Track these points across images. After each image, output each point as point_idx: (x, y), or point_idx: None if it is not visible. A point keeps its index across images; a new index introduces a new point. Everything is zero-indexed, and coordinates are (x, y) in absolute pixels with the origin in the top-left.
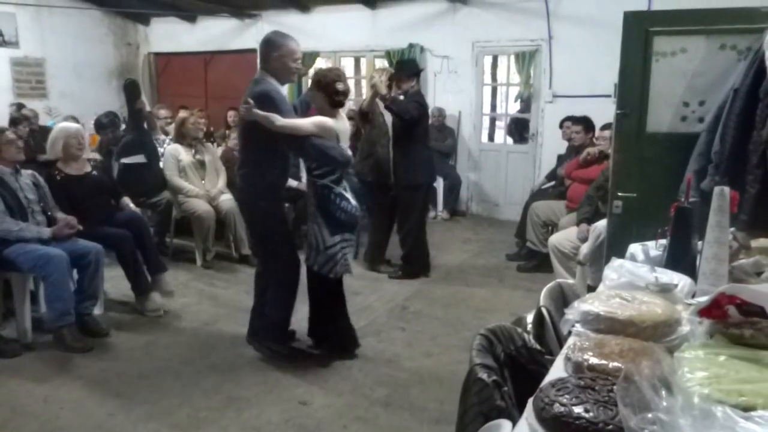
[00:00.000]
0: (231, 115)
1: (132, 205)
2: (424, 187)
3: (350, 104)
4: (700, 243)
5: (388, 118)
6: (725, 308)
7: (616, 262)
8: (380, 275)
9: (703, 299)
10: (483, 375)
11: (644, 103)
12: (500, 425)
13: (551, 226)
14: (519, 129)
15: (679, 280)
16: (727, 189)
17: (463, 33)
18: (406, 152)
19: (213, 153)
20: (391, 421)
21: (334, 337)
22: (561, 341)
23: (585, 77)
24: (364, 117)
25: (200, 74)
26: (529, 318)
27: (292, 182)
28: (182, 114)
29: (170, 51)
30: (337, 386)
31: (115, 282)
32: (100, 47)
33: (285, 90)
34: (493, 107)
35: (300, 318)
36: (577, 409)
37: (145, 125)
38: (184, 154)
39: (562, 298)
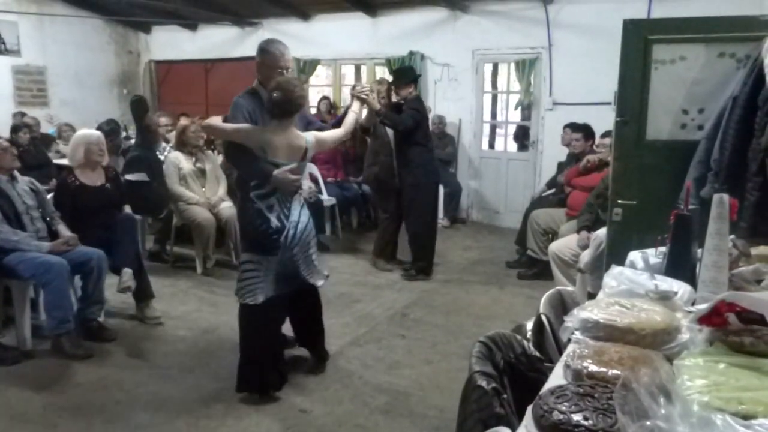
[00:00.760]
0: None
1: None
2: (427, 185)
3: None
4: (699, 250)
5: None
6: (725, 316)
7: (615, 269)
8: (380, 282)
9: (703, 307)
10: (482, 382)
11: (644, 111)
12: None
13: (551, 234)
14: (519, 136)
15: (679, 288)
16: (726, 196)
17: (464, 41)
18: (407, 156)
19: (213, 161)
20: (391, 428)
21: (243, 375)
22: (560, 349)
23: (585, 85)
24: (365, 131)
25: (201, 82)
26: (529, 325)
27: None
28: (183, 122)
29: (171, 59)
30: (337, 394)
31: (115, 289)
32: (101, 55)
33: None
34: (494, 115)
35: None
36: (576, 417)
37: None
38: (185, 162)
39: (562, 306)
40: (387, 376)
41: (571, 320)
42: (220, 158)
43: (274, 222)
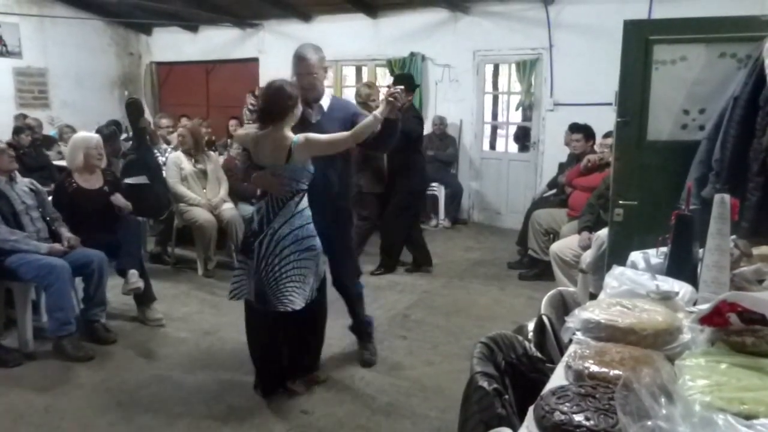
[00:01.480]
0: (233, 124)
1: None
2: (422, 192)
3: None
4: (701, 251)
5: None
6: (726, 316)
7: (617, 270)
8: (381, 283)
9: (704, 307)
10: (484, 383)
11: (645, 111)
12: None
13: (553, 234)
14: (520, 137)
15: (680, 288)
16: (727, 197)
17: (464, 42)
18: (407, 163)
19: (215, 162)
20: (392, 429)
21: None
22: (562, 349)
23: (586, 85)
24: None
25: (202, 83)
26: (530, 326)
27: None
28: (193, 123)
29: (172, 60)
30: (338, 395)
31: (116, 291)
32: (102, 57)
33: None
34: (495, 116)
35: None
36: (578, 417)
37: (149, 141)
38: (186, 163)
39: (563, 306)
40: (388, 377)
41: (573, 321)
42: (221, 159)
43: (255, 225)
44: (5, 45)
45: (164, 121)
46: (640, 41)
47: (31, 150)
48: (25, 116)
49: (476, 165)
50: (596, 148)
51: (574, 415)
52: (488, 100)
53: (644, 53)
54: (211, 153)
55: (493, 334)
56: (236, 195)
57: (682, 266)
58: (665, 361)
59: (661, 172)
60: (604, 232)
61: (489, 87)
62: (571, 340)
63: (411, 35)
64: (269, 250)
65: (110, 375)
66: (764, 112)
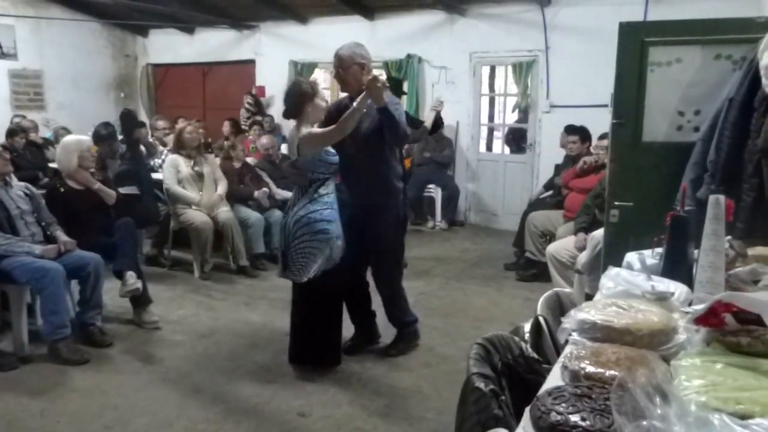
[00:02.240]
0: (226, 126)
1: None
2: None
3: None
4: (696, 251)
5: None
6: (722, 316)
7: (612, 270)
8: None
9: (700, 307)
10: (480, 384)
11: (640, 113)
12: None
13: (549, 236)
14: (517, 139)
15: (676, 289)
16: (722, 197)
17: (461, 44)
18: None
19: (212, 164)
20: (389, 431)
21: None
22: (558, 350)
23: (582, 87)
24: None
25: (198, 85)
26: (527, 327)
27: (285, 193)
28: (180, 124)
29: (168, 62)
30: (335, 397)
31: (112, 294)
32: (98, 59)
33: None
34: (491, 117)
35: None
36: (574, 418)
37: (144, 151)
38: (183, 165)
39: (560, 307)
40: (385, 378)
41: (569, 321)
42: (218, 161)
43: (287, 208)
44: (1, 47)
45: (160, 123)
46: (636, 43)
47: (26, 152)
48: (23, 118)
49: (473, 167)
50: (592, 149)
51: (570, 416)
52: (485, 101)
53: (640, 55)
54: (209, 155)
55: (489, 335)
56: (233, 197)
57: (678, 267)
58: (661, 362)
59: (656, 173)
60: (599, 233)
61: (485, 89)
62: (567, 341)
63: (408, 37)
64: (289, 230)
65: (106, 378)
66: (759, 114)
